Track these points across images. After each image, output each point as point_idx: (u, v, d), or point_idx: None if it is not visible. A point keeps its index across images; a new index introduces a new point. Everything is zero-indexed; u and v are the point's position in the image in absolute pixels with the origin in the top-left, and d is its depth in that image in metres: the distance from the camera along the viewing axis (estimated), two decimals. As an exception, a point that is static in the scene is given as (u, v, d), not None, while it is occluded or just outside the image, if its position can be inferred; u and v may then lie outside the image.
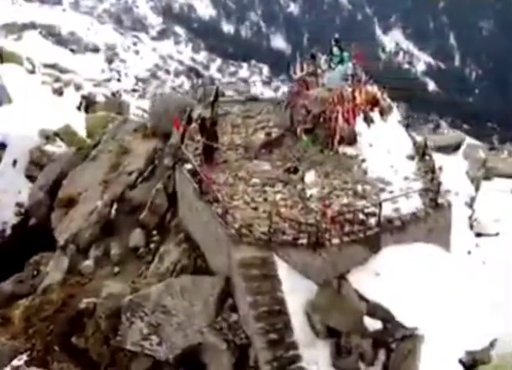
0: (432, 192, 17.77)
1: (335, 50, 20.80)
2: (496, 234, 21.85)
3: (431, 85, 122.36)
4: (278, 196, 18.34)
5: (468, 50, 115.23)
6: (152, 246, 21.07)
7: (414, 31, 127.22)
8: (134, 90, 77.39)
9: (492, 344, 17.12)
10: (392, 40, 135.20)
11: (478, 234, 22.22)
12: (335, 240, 16.81)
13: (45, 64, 49.23)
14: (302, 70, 21.08)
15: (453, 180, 20.82)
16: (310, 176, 18.84)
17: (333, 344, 16.75)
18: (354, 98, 19.88)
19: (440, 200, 17.89)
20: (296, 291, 16.98)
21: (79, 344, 19.21)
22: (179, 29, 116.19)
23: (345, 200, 18.08)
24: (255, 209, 17.92)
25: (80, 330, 19.42)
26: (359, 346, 16.46)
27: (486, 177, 25.51)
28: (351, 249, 17.10)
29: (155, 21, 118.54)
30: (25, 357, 19.05)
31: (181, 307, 17.63)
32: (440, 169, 18.59)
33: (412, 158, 19.63)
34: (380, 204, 17.00)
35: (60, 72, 48.03)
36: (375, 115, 20.48)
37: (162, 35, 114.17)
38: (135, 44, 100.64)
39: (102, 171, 25.66)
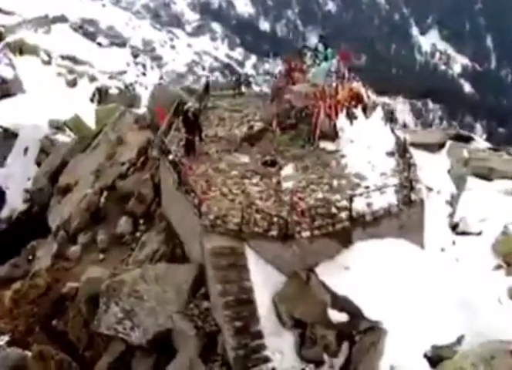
0: (406, 188, 17.87)
1: (320, 47, 21.03)
2: (479, 233, 21.83)
3: (467, 87, 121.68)
4: (255, 189, 18.63)
5: (504, 52, 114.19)
6: (137, 234, 21.57)
7: (451, 33, 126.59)
8: (159, 85, 78.12)
9: (459, 341, 17.21)
10: (429, 41, 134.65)
11: (462, 233, 22.21)
12: (306, 233, 17.07)
13: (62, 56, 50.07)
14: (289, 66, 21.32)
15: (435, 178, 20.90)
16: (288, 170, 19.13)
17: (298, 334, 17.01)
18: (336, 94, 20.03)
19: (413, 197, 18.00)
20: (265, 282, 17.29)
21: (59, 327, 19.74)
22: (215, 26, 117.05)
23: (319, 195, 18.31)
24: (231, 200, 18.28)
25: (62, 313, 20.02)
26: (324, 337, 16.72)
27: (489, 179, 25.56)
28: (321, 242, 17.34)
29: (192, 17, 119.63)
30: (7, 337, 19.61)
31: (154, 293, 18.08)
32: (414, 165, 18.64)
33: (391, 155, 19.79)
34: (351, 199, 17.21)
35: (76, 64, 48.83)
36: (358, 111, 20.62)
37: (198, 31, 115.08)
38: (171, 39, 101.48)
39: (98, 160, 26.23)
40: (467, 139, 29.43)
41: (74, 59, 50.40)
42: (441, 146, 22.65)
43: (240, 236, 17.31)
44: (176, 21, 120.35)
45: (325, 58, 20.95)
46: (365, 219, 17.72)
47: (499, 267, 20.09)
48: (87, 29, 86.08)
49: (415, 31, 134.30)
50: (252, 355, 16.47)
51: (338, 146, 20.11)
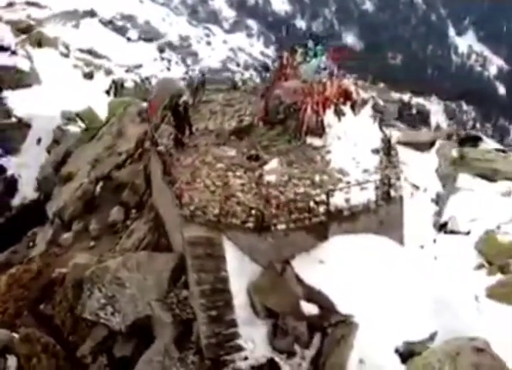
0: (385, 185, 18.07)
1: (310, 44, 21.28)
2: (468, 233, 21.96)
3: (501, 90, 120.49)
4: (237, 181, 18.95)
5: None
6: (128, 223, 22.03)
7: (488, 35, 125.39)
8: (184, 79, 78.72)
9: (432, 337, 17.39)
10: (466, 42, 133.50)
11: (451, 232, 22.38)
12: (281, 226, 17.35)
13: (81, 49, 50.91)
14: (282, 62, 21.62)
15: (422, 177, 21.06)
16: (272, 164, 19.41)
17: (272, 324, 17.31)
18: (324, 90, 20.27)
19: (393, 194, 18.20)
20: (241, 272, 17.63)
21: (46, 311, 20.29)
22: (251, 23, 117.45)
23: (300, 189, 18.56)
24: (213, 192, 18.62)
25: (50, 297, 20.55)
26: (295, 329, 17.00)
27: (493, 180, 25.70)
28: (297, 235, 17.61)
29: (229, 14, 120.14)
30: (-4, 320, 20.28)
31: (135, 280, 18.54)
32: (397, 163, 18.84)
33: (377, 152, 19.97)
34: (328, 193, 17.47)
35: (94, 57, 49.66)
36: (346, 108, 20.83)
37: (234, 27, 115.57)
38: (207, 36, 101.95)
39: (100, 151, 26.83)
40: (476, 140, 29.61)
41: (92, 53, 51.18)
42: (431, 145, 22.71)
43: (218, 227, 17.63)
44: (214, 18, 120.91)
45: (315, 55, 21.13)
46: (343, 214, 17.92)
47: (481, 266, 20.24)
48: (117, 24, 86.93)
49: (451, 32, 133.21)
50: (225, 344, 16.82)
51: (324, 142, 20.33)
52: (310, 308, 17.23)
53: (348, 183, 18.70)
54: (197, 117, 22.20)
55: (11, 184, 37.66)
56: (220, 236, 17.62)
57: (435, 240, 20.08)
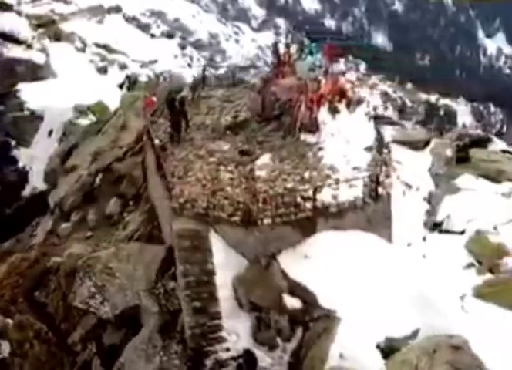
0: (373, 182, 18.21)
1: (306, 41, 21.47)
2: (462, 233, 22.03)
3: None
4: (228, 176, 19.20)
5: None
6: (125, 214, 22.40)
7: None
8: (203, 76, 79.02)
9: (414, 334, 17.50)
10: (495, 44, 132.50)
11: (445, 231, 22.47)
12: (267, 220, 17.57)
13: (97, 44, 51.48)
14: (279, 59, 21.84)
15: (415, 175, 21.15)
16: (264, 159, 19.64)
17: (255, 317, 17.54)
18: (319, 88, 20.45)
19: (381, 191, 18.33)
20: (227, 265, 17.86)
21: (40, 299, 20.74)
22: (280, 21, 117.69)
23: (289, 184, 18.75)
24: (203, 186, 18.89)
25: (44, 286, 20.98)
26: (277, 322, 17.22)
27: (498, 180, 25.76)
28: (283, 230, 17.82)
29: (258, 12, 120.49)
30: (-8, 306, 20.79)
31: (125, 270, 18.91)
32: (388, 161, 18.96)
33: (369, 150, 20.09)
34: (315, 189, 17.66)
35: (110, 52, 50.21)
36: (341, 106, 20.99)
37: (263, 26, 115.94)
38: (236, 34, 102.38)
39: (104, 144, 27.26)
40: (486, 141, 29.61)
41: (109, 48, 51.70)
42: (426, 144, 22.78)
43: (206, 220, 17.89)
44: (243, 16, 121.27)
45: (311, 53, 21.31)
46: (330, 210, 18.08)
47: (470, 265, 20.29)
48: (141, 20, 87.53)
49: (480, 33, 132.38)
50: (208, 335, 17.08)
51: (318, 139, 20.50)
52: (293, 302, 17.41)
53: (337, 179, 18.80)
54: (195, 112, 22.52)
55: (23, 175, 38.31)
56: (207, 229, 17.88)
57: (424, 239, 20.12)
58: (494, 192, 25.40)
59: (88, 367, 19.20)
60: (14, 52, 42.94)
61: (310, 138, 20.57)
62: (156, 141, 20.57)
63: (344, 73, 21.63)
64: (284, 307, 17.32)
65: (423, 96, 72.97)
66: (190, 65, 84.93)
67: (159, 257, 18.86)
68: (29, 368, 19.72)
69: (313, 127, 20.63)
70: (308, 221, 18.05)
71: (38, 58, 42.78)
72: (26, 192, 36.79)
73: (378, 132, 20.84)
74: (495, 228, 22.46)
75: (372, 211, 18.41)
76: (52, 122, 38.36)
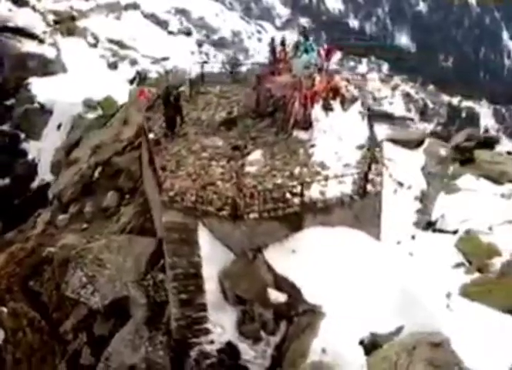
0: (362, 179, 18.36)
1: (301, 39, 21.64)
2: (455, 232, 22.09)
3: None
4: (219, 171, 19.45)
5: None
6: (121, 208, 22.72)
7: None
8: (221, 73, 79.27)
9: (398, 331, 17.61)
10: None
11: (439, 230, 22.54)
12: (254, 215, 17.80)
13: (110, 39, 51.89)
14: (275, 56, 22.03)
15: (408, 174, 21.25)
16: (255, 155, 19.84)
17: (240, 310, 17.77)
18: (313, 85, 20.61)
19: (369, 189, 18.46)
20: (214, 258, 18.12)
21: (35, 288, 21.13)
22: (304, 21, 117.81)
23: (278, 180, 18.94)
24: (194, 180, 19.16)
25: (39, 275, 21.36)
26: (262, 315, 17.44)
27: (500, 182, 25.78)
28: (270, 225, 18.03)
29: (282, 11, 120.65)
30: (-13, 294, 21.22)
31: (115, 262, 19.24)
32: (379, 159, 19.09)
33: (361, 148, 20.22)
34: (302, 185, 17.84)
35: (122, 48, 50.62)
36: (335, 104, 21.14)
37: (286, 25, 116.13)
38: (259, 32, 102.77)
39: (106, 137, 27.63)
40: (493, 142, 29.62)
41: (121, 43, 52.09)
42: (420, 143, 22.86)
43: (194, 213, 18.16)
44: (267, 15, 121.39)
45: (306, 51, 21.46)
46: (317, 206, 18.24)
47: (460, 265, 20.34)
48: (159, 17, 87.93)
49: (505, 35, 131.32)
50: (193, 326, 17.34)
51: (310, 136, 20.65)
52: (278, 296, 17.61)
53: (327, 176, 18.96)
54: (192, 107, 22.77)
55: (32, 168, 38.89)
56: (195, 222, 18.12)
57: (414, 237, 20.20)
58: (493, 193, 25.41)
59: (78, 355, 19.50)
60: (26, 46, 43.50)
61: (303, 135, 20.72)
62: (151, 135, 20.83)
63: (338, 71, 21.49)
64: (269, 300, 17.50)
65: (446, 98, 72.63)
66: (206, 63, 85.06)
67: (149, 249, 19.15)
68: (22, 355, 20.10)
69: (306, 124, 20.77)
70: (296, 216, 18.23)
71: (50, 52, 43.33)
72: (35, 184, 37.30)
73: (372, 131, 20.90)
74: (490, 229, 22.44)
75: (359, 208, 18.55)
76: (61, 115, 38.84)
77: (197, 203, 18.21)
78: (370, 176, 18.88)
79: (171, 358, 17.18)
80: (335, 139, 20.51)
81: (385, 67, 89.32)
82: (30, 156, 39.64)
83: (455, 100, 73.76)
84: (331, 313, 17.41)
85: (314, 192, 18.40)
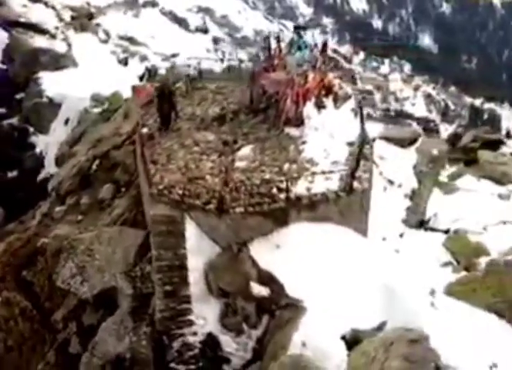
0: (348, 176, 18.51)
1: (295, 37, 21.82)
2: (446, 232, 22.19)
3: None
4: (209, 165, 19.69)
5: None
6: (115, 200, 23.05)
7: None
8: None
9: (380, 327, 17.73)
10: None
11: (431, 229, 22.65)
12: (239, 209, 18.01)
13: (121, 36, 52.36)
14: (270, 53, 22.25)
15: (399, 172, 21.35)
16: (245, 151, 20.07)
17: (223, 303, 18.00)
18: (306, 82, 20.79)
19: (355, 185, 18.61)
20: (200, 251, 18.36)
21: (28, 277, 21.51)
22: (327, 20, 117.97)
23: (266, 176, 19.14)
24: (183, 174, 19.42)
25: (33, 265, 21.74)
26: (244, 309, 17.65)
27: (501, 182, 25.87)
28: (255, 219, 18.22)
29: (306, 10, 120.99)
30: (-18, 283, 21.64)
31: (104, 252, 19.55)
32: (368, 156, 19.23)
33: (351, 145, 20.37)
34: (287, 180, 18.03)
35: (133, 44, 51.09)
36: (328, 101, 21.30)
37: (309, 24, 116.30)
38: (281, 31, 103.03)
39: (107, 131, 28.01)
40: (498, 143, 29.65)
41: (132, 40, 52.54)
42: (413, 141, 22.95)
43: (181, 207, 18.42)
44: (290, 14, 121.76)
45: (299, 48, 21.64)
46: (302, 202, 18.40)
47: (448, 263, 20.45)
48: (177, 15, 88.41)
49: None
50: (177, 318, 17.55)
51: (301, 133, 20.81)
52: (261, 290, 17.78)
53: (314, 173, 19.12)
54: (188, 103, 23.04)
55: (39, 161, 39.46)
56: (182, 215, 18.37)
57: (401, 235, 20.30)
58: (492, 193, 25.44)
59: (67, 344, 19.83)
60: (38, 41, 44.07)
61: (294, 131, 20.90)
62: (145, 130, 21.12)
63: (332, 69, 21.64)
64: (252, 294, 17.69)
65: (468, 100, 72.39)
66: (222, 60, 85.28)
67: (138, 240, 19.44)
68: (13, 343, 20.45)
69: (298, 121, 20.93)
70: (281, 212, 18.40)
71: (61, 48, 43.90)
72: (41, 177, 37.82)
73: (363, 128, 21.02)
74: (485, 228, 22.51)
75: (344, 204, 18.66)
76: (69, 110, 39.35)
77: (184, 196, 18.43)
78: (358, 174, 18.97)
79: (154, 348, 17.38)
80: (326, 136, 20.68)
81: (407, 68, 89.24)
82: (38, 150, 40.19)
83: (477, 102, 73.47)
84: (314, 308, 17.53)
85: (300, 188, 18.52)
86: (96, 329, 19.35)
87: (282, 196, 18.37)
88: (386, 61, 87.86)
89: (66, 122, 39.20)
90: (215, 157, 20.06)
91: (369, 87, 38.14)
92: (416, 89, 63.14)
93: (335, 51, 65.24)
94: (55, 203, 24.87)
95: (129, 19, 64.37)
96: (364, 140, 20.31)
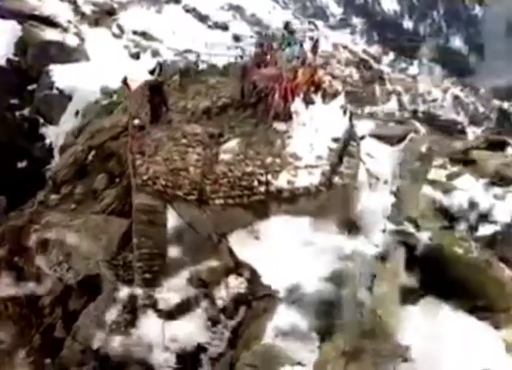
0: (330, 171, 18.74)
1: (285, 33, 22.06)
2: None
3: None
4: (194, 157, 20.02)
5: None
6: (107, 190, 23.48)
7: None
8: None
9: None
10: None
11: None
12: (219, 201, 18.35)
13: (135, 31, 52.69)
14: (262, 49, 22.53)
15: (386, 169, 21.52)
16: (231, 144, 20.36)
17: (202, 293, 18.37)
18: (295, 78, 21.04)
19: (336, 180, 18.83)
20: (181, 241, 18.76)
21: (19, 263, 22.04)
22: (357, 21, 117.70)
23: (249, 169, 19.42)
24: (168, 165, 19.79)
25: (23, 251, 22.25)
26: (222, 299, 18.00)
27: (499, 184, 25.91)
28: (235, 211, 18.58)
29: (336, 10, 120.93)
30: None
31: (90, 240, 19.97)
32: (352, 151, 19.45)
33: (336, 141, 20.57)
34: (267, 173, 18.32)
35: (147, 39, 51.47)
36: (317, 97, 21.53)
37: (339, 24, 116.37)
38: (311, 30, 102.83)
39: (108, 123, 28.45)
40: (504, 144, 29.64)
41: (145, 35, 52.90)
42: (402, 139, 23.07)
43: (164, 197, 18.81)
44: (320, 14, 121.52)
45: (289, 44, 21.89)
46: (283, 195, 18.68)
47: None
48: (200, 12, 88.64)
49: None
50: (155, 306, 17.98)
51: (289, 128, 21.03)
52: (238, 281, 18.12)
53: (297, 167, 19.37)
54: (181, 96, 23.37)
55: (49, 151, 39.97)
56: (164, 205, 18.76)
57: (384, 231, 20.42)
58: (486, 193, 25.42)
59: (53, 328, 20.32)
60: (51, 34, 44.61)
61: (281, 126, 21.09)
62: (136, 121, 21.51)
63: (323, 66, 21.86)
64: (229, 284, 18.02)
65: (496, 102, 71.88)
66: (242, 57, 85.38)
67: (122, 229, 19.83)
68: (1, 327, 20.97)
69: (286, 116, 21.14)
70: (261, 204, 18.71)
71: (72, 41, 44.34)
72: (48, 167, 38.22)
73: (351, 125, 21.21)
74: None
75: (325, 199, 18.88)
76: (79, 102, 39.71)
77: (167, 187, 18.79)
78: (340, 169, 19.19)
79: (132, 335, 17.81)
80: (313, 131, 20.85)
81: (437, 69, 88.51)
82: (47, 141, 40.63)
83: (506, 105, 72.86)
84: (289, 299, 17.81)
85: (282, 181, 18.78)
86: (78, 314, 19.80)
87: (262, 189, 18.60)
88: (415, 62, 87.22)
89: (76, 114, 39.56)
90: (200, 150, 20.33)
91: (399, 88, 38.14)
92: (445, 91, 62.74)
93: (364, 51, 64.99)
94: (51, 192, 25.31)
95: (151, 15, 64.71)
96: (350, 137, 20.46)
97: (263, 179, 18.84)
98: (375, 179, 21.20)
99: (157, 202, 18.76)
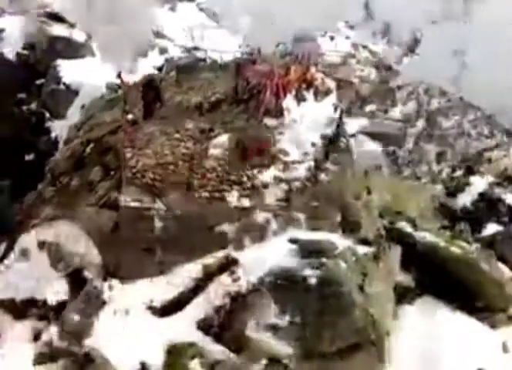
0: (314, 166, 19.02)
1: (277, 32, 22.33)
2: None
3: None
4: (184, 151, 20.35)
5: None
6: (102, 182, 23.77)
7: None
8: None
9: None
10: None
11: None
12: (205, 194, 18.67)
13: (145, 28, 52.89)
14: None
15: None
16: (221, 139, 20.66)
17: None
18: (287, 75, 21.29)
19: (322, 177, 19.10)
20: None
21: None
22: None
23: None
24: (156, 159, 20.13)
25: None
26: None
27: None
28: (222, 205, 18.85)
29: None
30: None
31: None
32: (338, 148, 19.71)
33: (325, 138, 20.82)
34: (252, 167, 18.63)
35: (156, 37, 51.65)
36: (309, 95, 21.77)
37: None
38: (332, 30, 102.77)
39: (109, 117, 28.75)
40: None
41: (157, 33, 53.06)
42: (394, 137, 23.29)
43: (151, 190, 19.15)
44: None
45: (281, 41, 22.17)
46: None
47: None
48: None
49: None
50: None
51: (279, 124, 21.29)
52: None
53: (285, 162, 19.65)
54: (177, 91, 23.68)
55: (54, 145, 40.39)
56: (153, 198, 19.08)
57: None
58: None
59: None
60: (58, 30, 45.00)
61: (272, 122, 21.35)
62: (129, 116, 21.83)
63: (316, 64, 22.08)
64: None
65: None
66: (251, 54, 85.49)
67: (111, 221, 20.11)
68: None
69: (277, 112, 21.39)
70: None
71: (79, 37, 44.70)
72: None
73: (341, 122, 21.43)
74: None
75: (311, 195, 19.12)
76: (85, 97, 40.04)
77: (155, 180, 19.09)
78: (326, 166, 19.43)
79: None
80: (303, 128, 21.10)
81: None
82: (53, 134, 41.03)
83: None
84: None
85: (267, 176, 19.06)
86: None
87: (249, 184, 18.88)
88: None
89: (82, 108, 39.95)
90: (191, 144, 20.62)
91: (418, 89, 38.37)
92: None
93: (384, 51, 65.06)
94: (48, 185, 25.63)
95: (164, 12, 64.95)
96: (338, 133, 20.68)
97: (250, 173, 19.02)
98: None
99: (145, 195, 19.01)
